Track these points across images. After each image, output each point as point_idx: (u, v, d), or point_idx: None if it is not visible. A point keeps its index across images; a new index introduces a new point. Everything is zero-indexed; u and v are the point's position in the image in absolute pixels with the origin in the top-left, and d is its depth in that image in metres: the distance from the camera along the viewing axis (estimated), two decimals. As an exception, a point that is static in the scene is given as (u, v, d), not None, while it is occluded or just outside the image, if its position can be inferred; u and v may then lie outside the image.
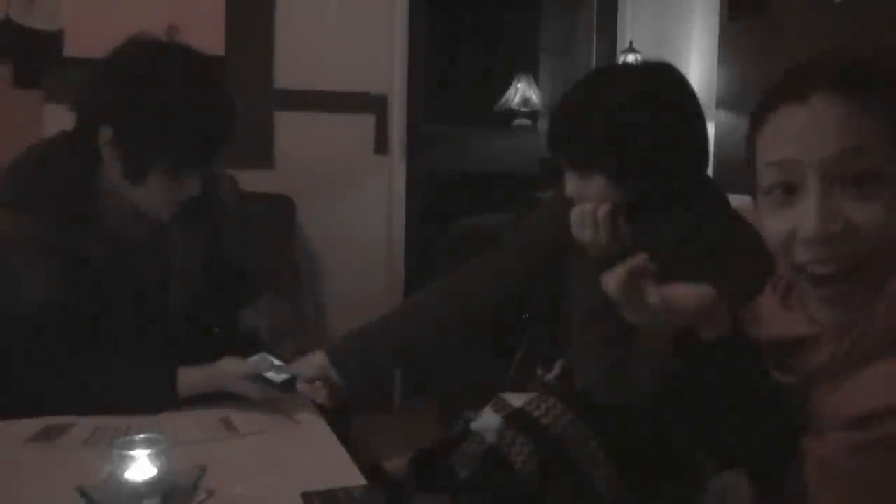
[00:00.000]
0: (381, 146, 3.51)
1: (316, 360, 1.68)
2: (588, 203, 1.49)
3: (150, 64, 1.52)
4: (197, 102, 1.51)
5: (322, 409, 1.63)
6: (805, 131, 0.93)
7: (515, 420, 1.49)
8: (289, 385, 1.61)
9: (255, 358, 1.62)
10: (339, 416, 1.67)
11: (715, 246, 1.47)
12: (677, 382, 1.19)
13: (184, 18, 1.69)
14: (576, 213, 1.51)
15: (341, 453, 1.41)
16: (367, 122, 3.49)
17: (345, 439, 1.54)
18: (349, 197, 3.48)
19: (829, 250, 0.91)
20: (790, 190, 0.94)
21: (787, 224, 0.94)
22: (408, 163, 3.57)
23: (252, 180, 2.82)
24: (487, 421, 1.53)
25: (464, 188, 4.10)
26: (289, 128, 3.35)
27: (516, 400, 1.55)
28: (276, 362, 1.62)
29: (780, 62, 3.08)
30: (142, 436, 1.20)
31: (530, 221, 1.80)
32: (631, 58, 3.56)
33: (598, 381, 1.54)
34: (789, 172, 0.94)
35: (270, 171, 3.29)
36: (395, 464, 1.73)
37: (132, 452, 1.17)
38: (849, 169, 0.90)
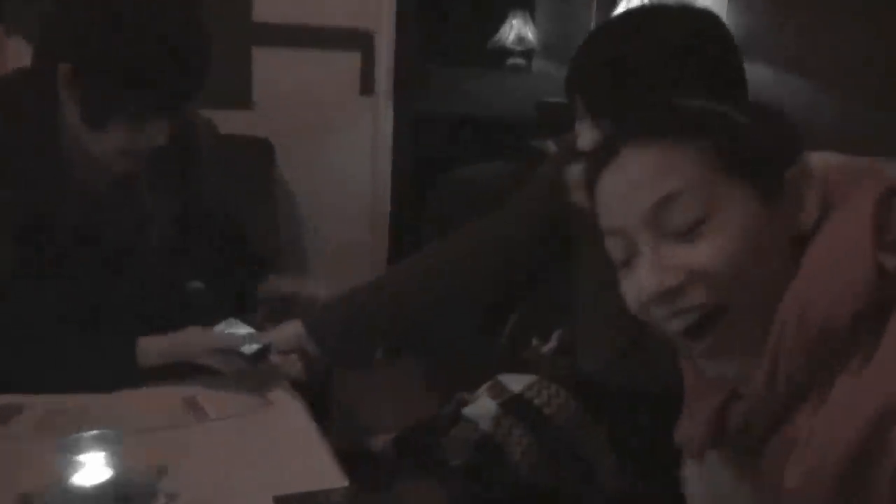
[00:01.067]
0: (367, 86, 3.33)
1: (291, 330, 1.55)
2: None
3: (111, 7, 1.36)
4: (168, 37, 1.35)
5: (297, 383, 1.52)
6: (619, 193, 0.91)
7: (514, 408, 1.40)
8: (261, 356, 1.48)
9: (221, 325, 1.50)
10: (317, 391, 1.58)
11: None
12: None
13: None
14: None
15: (319, 443, 1.31)
16: (353, 60, 3.30)
17: (325, 414, 1.44)
18: (332, 141, 3.31)
19: (677, 303, 0.87)
20: (628, 257, 0.91)
21: (635, 289, 0.90)
22: (395, 105, 3.39)
23: (228, 122, 2.67)
24: (483, 407, 1.44)
25: (454, 131, 3.95)
26: (268, 65, 3.16)
27: (515, 384, 1.45)
28: (246, 329, 1.49)
29: (800, 6, 2.94)
30: (94, 432, 1.10)
31: (528, 192, 1.62)
32: (636, -4, 3.37)
33: (609, 364, 1.42)
34: (619, 241, 0.91)
35: (248, 112, 3.11)
36: (381, 440, 1.64)
37: (81, 457, 1.06)
38: (671, 218, 0.86)
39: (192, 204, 1.64)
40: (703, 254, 0.85)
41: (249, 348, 1.46)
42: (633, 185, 0.89)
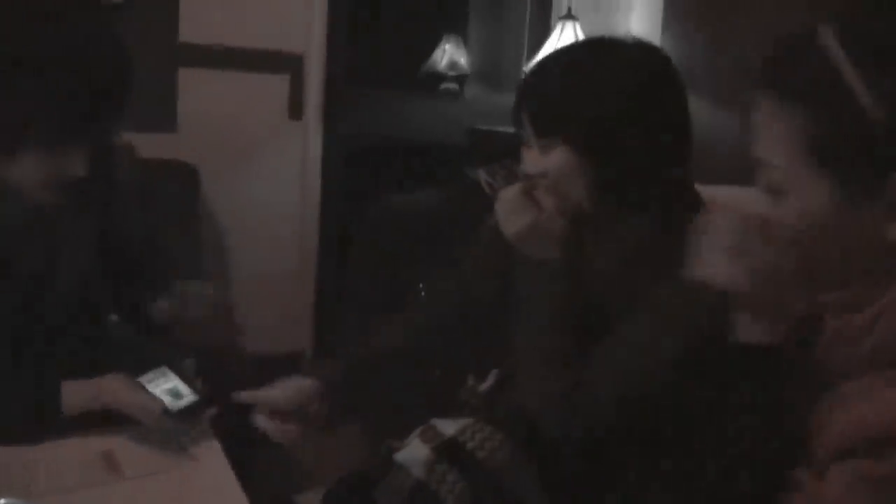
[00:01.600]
0: (296, 110, 3.25)
1: (295, 387, 1.50)
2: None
3: (28, 8, 1.28)
4: (85, 57, 1.27)
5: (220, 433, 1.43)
6: None
7: (447, 452, 1.34)
8: (190, 413, 1.40)
9: (150, 374, 1.42)
10: (244, 445, 1.49)
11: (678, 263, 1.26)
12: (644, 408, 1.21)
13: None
14: (504, 199, 1.39)
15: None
16: (281, 83, 3.22)
17: (251, 471, 1.41)
18: (260, 166, 3.22)
19: None
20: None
21: None
22: (324, 129, 3.32)
23: (152, 146, 2.61)
24: (415, 452, 1.37)
25: (384, 157, 3.89)
26: (194, 87, 3.05)
27: (448, 427, 1.40)
28: (177, 381, 1.42)
29: (730, 31, 2.96)
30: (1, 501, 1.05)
31: (478, 248, 1.65)
32: (569, 25, 3.38)
33: (547, 407, 1.35)
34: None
35: (172, 136, 2.99)
36: (309, 497, 1.58)
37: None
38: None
39: (108, 232, 1.56)
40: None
41: (176, 404, 1.38)
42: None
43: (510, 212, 1.37)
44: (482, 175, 2.85)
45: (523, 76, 1.46)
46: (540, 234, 1.35)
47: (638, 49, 1.37)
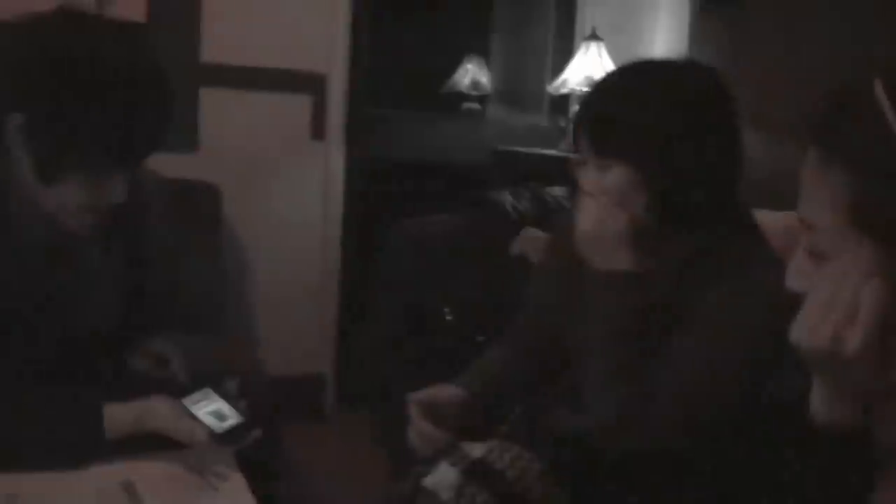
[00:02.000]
0: (318, 131, 3.22)
1: (453, 394, 1.58)
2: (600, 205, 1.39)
3: (70, 36, 1.28)
4: (128, 83, 1.26)
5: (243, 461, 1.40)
6: None
7: (476, 474, 1.31)
8: (236, 434, 1.38)
9: (195, 395, 1.41)
10: (264, 470, 1.47)
11: (736, 275, 1.36)
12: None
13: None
14: (586, 216, 1.40)
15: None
16: (303, 103, 3.19)
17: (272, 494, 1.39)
18: (282, 186, 3.20)
19: None
20: None
21: None
22: (346, 150, 3.30)
23: (174, 165, 2.54)
24: (443, 476, 1.34)
25: (406, 177, 3.87)
26: (216, 107, 3.04)
27: (476, 450, 1.37)
28: (221, 403, 1.41)
29: (757, 57, 2.94)
30: None
31: (545, 261, 1.74)
32: (594, 45, 3.36)
33: (616, 418, 1.37)
34: None
35: (194, 156, 2.98)
36: None
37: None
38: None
39: (136, 264, 1.55)
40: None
41: (220, 426, 1.36)
42: None
43: (587, 224, 1.40)
44: (507, 198, 2.84)
45: (582, 97, 1.57)
46: (615, 244, 1.38)
47: (695, 70, 1.44)
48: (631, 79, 1.45)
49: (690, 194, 1.37)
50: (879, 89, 0.78)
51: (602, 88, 1.47)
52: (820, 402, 0.87)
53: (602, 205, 1.38)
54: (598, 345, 1.40)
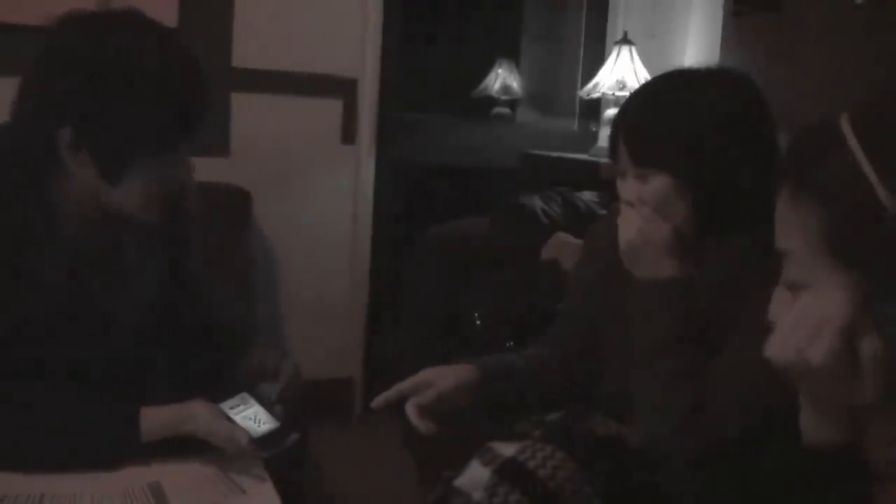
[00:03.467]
0: (349, 135, 3.23)
1: (461, 370, 1.57)
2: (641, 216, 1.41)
3: (106, 41, 1.30)
4: (170, 72, 1.30)
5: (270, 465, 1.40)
6: None
7: (508, 474, 1.30)
8: (274, 439, 1.38)
9: (234, 400, 1.41)
10: (290, 476, 1.46)
11: None
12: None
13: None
14: (627, 226, 1.42)
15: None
16: (334, 107, 3.21)
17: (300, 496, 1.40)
18: (312, 190, 3.21)
19: None
20: None
21: None
22: (377, 154, 3.30)
23: (204, 169, 2.55)
24: (475, 476, 1.33)
25: (436, 181, 3.87)
26: (247, 112, 3.05)
27: (507, 449, 1.36)
28: (258, 407, 1.41)
29: (791, 65, 2.91)
30: None
31: (584, 264, 1.74)
32: (625, 49, 3.34)
33: (673, 427, 1.36)
34: None
35: (225, 160, 3.00)
36: None
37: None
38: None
39: (174, 269, 1.55)
40: None
41: (258, 430, 1.36)
42: None
43: (630, 234, 1.42)
44: (537, 202, 2.83)
45: (620, 107, 1.52)
46: (658, 252, 1.40)
47: (732, 78, 1.45)
48: (669, 88, 1.46)
49: (730, 202, 1.39)
50: (845, 123, 0.82)
51: (640, 98, 1.49)
52: (805, 421, 0.89)
53: (643, 215, 1.40)
54: (647, 354, 1.40)
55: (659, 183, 1.39)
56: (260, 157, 3.06)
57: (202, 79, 1.36)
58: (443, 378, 1.54)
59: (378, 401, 1.53)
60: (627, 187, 1.44)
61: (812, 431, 0.88)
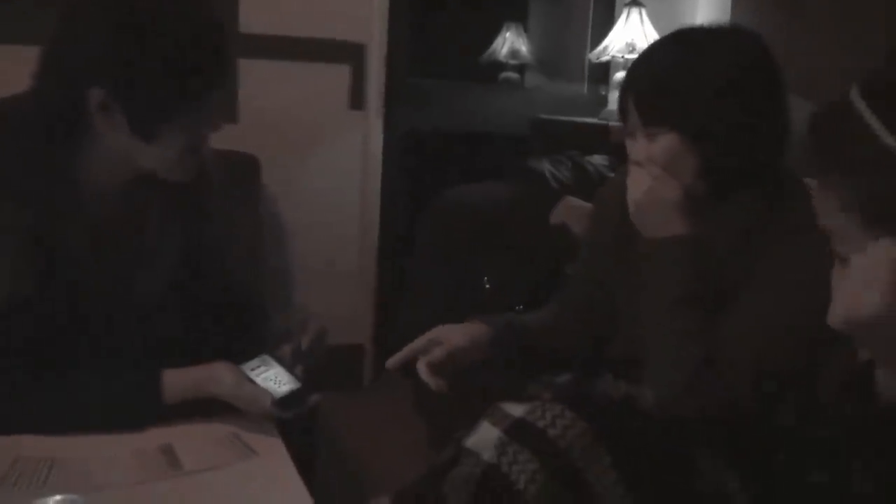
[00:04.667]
0: (357, 100, 3.22)
1: (472, 332, 1.58)
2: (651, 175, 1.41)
3: (131, 10, 1.30)
4: (201, 22, 1.33)
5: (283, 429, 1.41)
6: None
7: (518, 433, 1.28)
8: (295, 400, 1.38)
9: (254, 362, 1.42)
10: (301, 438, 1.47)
11: (794, 236, 1.38)
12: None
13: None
14: (636, 185, 1.42)
15: (307, 501, 1.20)
16: (342, 73, 3.19)
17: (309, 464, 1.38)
18: (321, 156, 3.20)
19: None
20: None
21: None
22: (385, 119, 3.29)
23: (213, 136, 2.59)
24: (484, 435, 1.30)
25: (446, 147, 3.87)
26: (254, 78, 3.02)
27: (517, 409, 1.33)
28: (280, 368, 1.42)
29: (803, 24, 2.88)
30: (57, 498, 1.03)
31: (596, 223, 1.74)
32: (635, 11, 3.32)
33: (684, 384, 1.38)
34: None
35: (233, 126, 2.94)
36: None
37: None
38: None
39: (195, 241, 1.55)
40: None
41: (279, 391, 1.37)
42: None
43: (639, 193, 1.42)
44: (546, 166, 2.81)
45: (629, 67, 1.54)
46: (668, 211, 1.40)
47: (740, 36, 1.44)
48: (677, 47, 1.47)
49: (739, 160, 1.40)
50: (855, 93, 0.86)
51: (648, 57, 1.49)
52: (880, 380, 0.91)
53: (652, 174, 1.41)
54: (658, 313, 1.41)
55: (667, 141, 1.40)
56: (268, 124, 3.04)
57: (216, 27, 1.37)
58: (453, 335, 1.55)
59: (392, 361, 1.55)
60: (637, 147, 1.44)
61: (887, 389, 0.90)
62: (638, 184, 1.42)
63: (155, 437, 1.33)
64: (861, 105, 0.84)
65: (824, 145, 0.90)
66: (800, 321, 1.32)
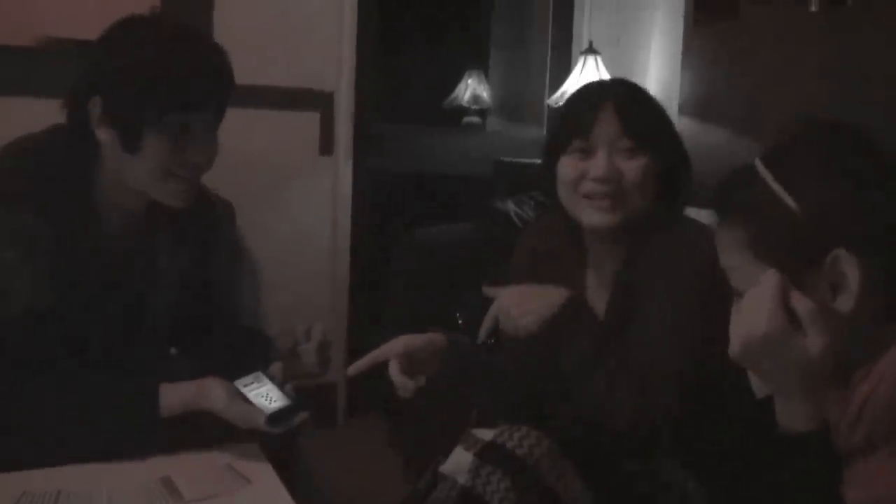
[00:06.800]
0: (327, 146, 3.30)
1: (432, 337, 1.63)
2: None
3: (131, 29, 1.44)
4: (182, 40, 1.43)
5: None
6: None
7: (490, 455, 1.37)
8: (284, 415, 1.43)
9: (247, 378, 1.46)
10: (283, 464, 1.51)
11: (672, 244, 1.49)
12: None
13: (117, 8, 1.55)
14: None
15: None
16: (312, 120, 3.28)
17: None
18: (291, 200, 3.27)
19: None
20: None
21: None
22: (354, 164, 3.37)
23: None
24: (458, 460, 1.40)
25: (412, 190, 3.94)
26: (227, 125, 3.00)
27: (487, 434, 1.42)
28: (272, 386, 1.46)
29: (751, 71, 3.02)
30: None
31: (514, 268, 1.77)
32: (591, 59, 3.44)
33: (605, 384, 1.45)
34: None
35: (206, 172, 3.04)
36: None
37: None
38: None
39: (198, 270, 1.64)
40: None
41: (270, 406, 1.42)
42: None
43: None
44: (511, 206, 2.91)
45: (591, 87, 1.65)
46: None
47: None
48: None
49: (676, 189, 1.53)
50: (759, 163, 1.04)
51: (624, 82, 1.62)
52: (779, 409, 1.00)
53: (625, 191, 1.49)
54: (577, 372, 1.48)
55: (643, 160, 1.48)
56: (240, 170, 3.08)
57: (216, 52, 1.48)
58: (413, 338, 1.60)
59: (353, 368, 1.58)
60: (602, 163, 1.48)
61: (785, 419, 0.99)
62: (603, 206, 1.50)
63: (154, 469, 1.38)
64: (765, 172, 1.02)
65: (730, 199, 1.07)
66: (690, 323, 1.42)
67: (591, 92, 1.61)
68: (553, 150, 1.56)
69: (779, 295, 0.95)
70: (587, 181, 1.50)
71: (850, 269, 0.95)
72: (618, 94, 1.53)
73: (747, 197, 1.05)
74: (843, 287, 0.96)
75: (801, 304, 0.94)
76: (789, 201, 0.99)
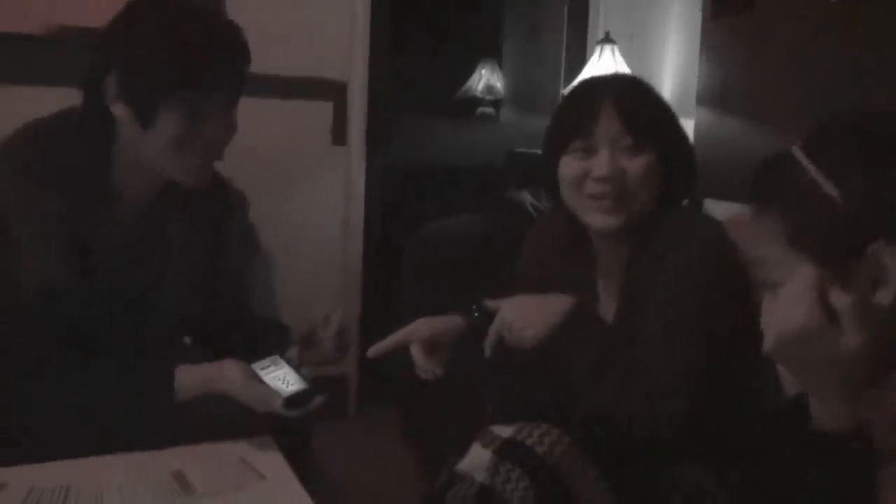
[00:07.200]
0: (339, 137, 3.28)
1: (450, 320, 1.62)
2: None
3: (146, 7, 1.43)
4: (196, 21, 1.42)
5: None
6: None
7: (509, 452, 1.35)
8: (301, 399, 1.42)
9: (264, 361, 1.46)
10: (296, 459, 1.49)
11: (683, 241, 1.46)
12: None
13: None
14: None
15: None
16: (325, 110, 3.25)
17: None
18: (303, 191, 3.25)
19: None
20: None
21: None
22: (367, 155, 3.35)
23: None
24: (476, 458, 1.38)
25: (425, 181, 3.92)
26: (239, 115, 3.05)
27: (505, 431, 1.41)
28: (289, 369, 1.46)
29: (769, 63, 2.99)
30: None
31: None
32: (608, 49, 3.40)
33: (607, 394, 1.42)
34: None
35: (218, 163, 3.01)
36: None
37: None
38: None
39: (211, 259, 1.63)
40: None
41: (287, 390, 1.41)
42: None
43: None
44: (527, 197, 2.89)
45: (594, 84, 1.59)
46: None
47: None
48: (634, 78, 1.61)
49: (679, 186, 1.52)
50: (797, 149, 1.01)
51: (628, 78, 1.61)
52: (815, 407, 0.97)
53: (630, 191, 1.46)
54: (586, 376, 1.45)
55: (647, 158, 1.45)
56: (252, 160, 3.06)
57: (227, 31, 1.47)
58: (434, 320, 1.60)
59: (374, 349, 1.56)
60: (604, 161, 1.45)
61: (820, 417, 0.96)
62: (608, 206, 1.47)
63: (166, 463, 1.37)
64: (804, 159, 0.99)
65: (768, 188, 1.03)
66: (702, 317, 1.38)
67: (589, 89, 1.56)
68: (554, 149, 1.53)
69: (817, 288, 0.91)
70: (590, 181, 1.47)
71: (891, 261, 0.92)
72: (617, 90, 1.49)
73: (785, 186, 1.01)
74: (883, 280, 0.93)
75: (840, 298, 0.91)
76: (831, 189, 0.95)
